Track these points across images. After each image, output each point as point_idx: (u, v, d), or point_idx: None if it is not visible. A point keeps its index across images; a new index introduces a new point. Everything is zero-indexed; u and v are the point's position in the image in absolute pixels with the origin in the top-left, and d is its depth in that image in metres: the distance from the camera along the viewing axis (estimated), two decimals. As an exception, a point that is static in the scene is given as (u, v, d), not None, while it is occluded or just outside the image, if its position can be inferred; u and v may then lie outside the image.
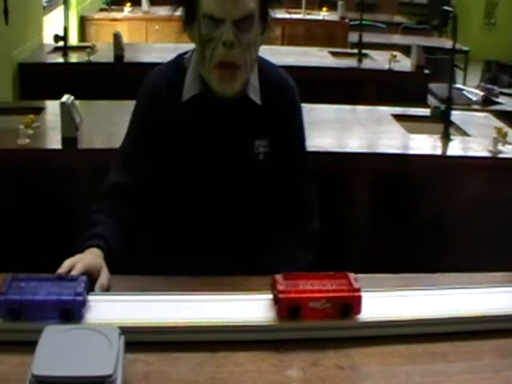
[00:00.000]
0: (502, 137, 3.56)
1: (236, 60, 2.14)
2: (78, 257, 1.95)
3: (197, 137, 2.26)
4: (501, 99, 5.54)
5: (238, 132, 2.28)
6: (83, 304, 1.72)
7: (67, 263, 1.90)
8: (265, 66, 2.35)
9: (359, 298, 1.76)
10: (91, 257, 1.97)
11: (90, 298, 1.78)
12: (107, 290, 1.92)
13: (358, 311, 1.76)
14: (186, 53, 2.33)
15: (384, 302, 1.86)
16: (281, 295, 1.74)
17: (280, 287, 1.75)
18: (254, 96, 2.28)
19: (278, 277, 1.79)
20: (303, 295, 1.74)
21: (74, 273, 1.86)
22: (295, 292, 1.74)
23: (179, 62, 2.32)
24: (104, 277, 1.93)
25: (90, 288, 1.84)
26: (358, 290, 1.76)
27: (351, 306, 1.75)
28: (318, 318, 1.74)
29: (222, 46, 2.12)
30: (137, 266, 2.18)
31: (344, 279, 1.80)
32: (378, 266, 1.96)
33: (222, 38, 2.11)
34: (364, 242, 3.48)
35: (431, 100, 5.38)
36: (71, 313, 1.69)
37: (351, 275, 1.81)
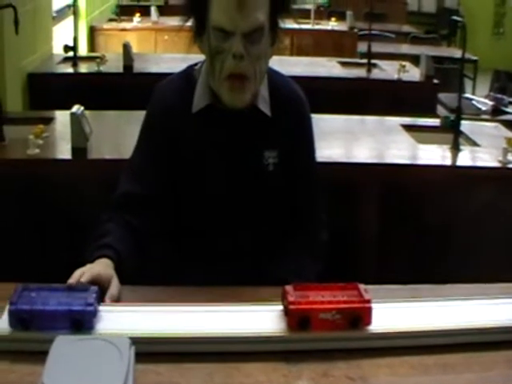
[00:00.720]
0: (511, 147, 3.55)
1: (246, 72, 2.15)
2: (88, 267, 1.95)
3: (207, 148, 2.26)
4: (510, 109, 5.52)
5: (247, 143, 2.28)
6: (94, 314, 1.72)
7: (77, 273, 1.90)
8: (275, 77, 2.35)
9: (369, 310, 1.75)
10: (101, 267, 1.97)
11: (101, 308, 1.78)
12: (118, 300, 1.92)
13: (369, 322, 1.76)
14: (196, 64, 2.34)
15: (394, 313, 1.86)
16: (291, 306, 1.73)
17: (290, 298, 1.74)
18: (264, 107, 2.28)
19: (289, 288, 1.79)
20: (313, 306, 1.73)
21: (81, 280, 1.86)
22: (305, 303, 1.74)
23: (189, 73, 2.32)
24: (114, 287, 1.93)
25: (101, 299, 1.83)
26: (369, 302, 1.75)
27: (361, 317, 1.75)
28: (328, 329, 1.73)
29: (231, 59, 2.12)
30: (148, 277, 2.18)
31: (354, 290, 1.79)
32: (387, 277, 1.96)
33: (232, 51, 2.12)
34: (373, 252, 3.47)
35: (440, 110, 5.37)
36: (82, 323, 1.69)
37: (361, 286, 1.80)
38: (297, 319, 1.73)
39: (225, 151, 2.27)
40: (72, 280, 1.87)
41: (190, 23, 2.24)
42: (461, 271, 3.04)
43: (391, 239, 3.48)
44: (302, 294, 1.77)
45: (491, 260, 3.41)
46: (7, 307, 1.69)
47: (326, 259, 2.37)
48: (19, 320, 1.68)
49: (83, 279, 1.87)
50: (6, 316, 1.70)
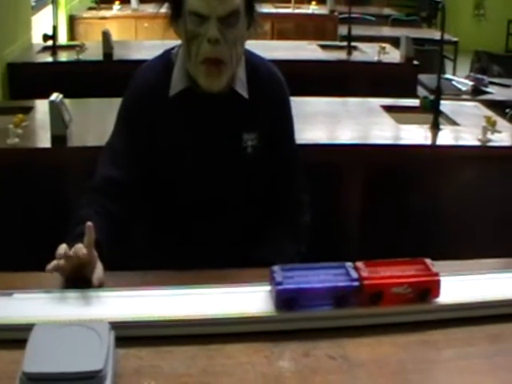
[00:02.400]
0: (491, 125, 3.56)
1: (221, 56, 2.15)
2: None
3: (184, 131, 2.26)
4: (490, 89, 5.53)
5: (225, 126, 2.28)
6: (359, 289, 1.76)
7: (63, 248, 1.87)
8: (252, 60, 2.34)
9: (438, 283, 1.81)
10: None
11: (82, 294, 1.80)
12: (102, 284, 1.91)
13: (437, 295, 1.82)
14: (173, 48, 2.33)
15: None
16: (365, 281, 1.77)
17: (363, 274, 1.78)
18: (241, 90, 2.28)
19: (360, 264, 1.83)
20: (387, 281, 1.78)
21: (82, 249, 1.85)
22: (379, 278, 1.78)
23: (167, 57, 2.32)
24: (100, 270, 1.92)
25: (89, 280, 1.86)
26: (437, 275, 1.82)
27: (430, 290, 1.81)
28: (399, 303, 1.79)
29: (207, 43, 2.12)
30: (129, 262, 2.17)
31: (421, 265, 1.85)
32: (370, 257, 1.96)
33: (208, 35, 2.12)
34: (357, 231, 3.49)
35: (421, 91, 5.36)
36: (346, 298, 1.76)
37: (428, 261, 1.86)
38: (370, 294, 1.77)
39: (202, 134, 2.26)
40: (60, 251, 1.85)
41: (165, 8, 2.24)
42: (443, 248, 3.05)
43: (374, 219, 3.49)
44: (373, 270, 1.81)
45: (473, 235, 3.44)
46: (273, 288, 1.76)
47: (310, 240, 2.37)
48: (286, 300, 1.74)
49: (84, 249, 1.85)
50: (266, 297, 1.80)
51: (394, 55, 5.85)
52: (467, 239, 3.38)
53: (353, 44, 6.04)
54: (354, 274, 1.78)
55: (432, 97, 3.85)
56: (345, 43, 6.08)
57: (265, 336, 1.72)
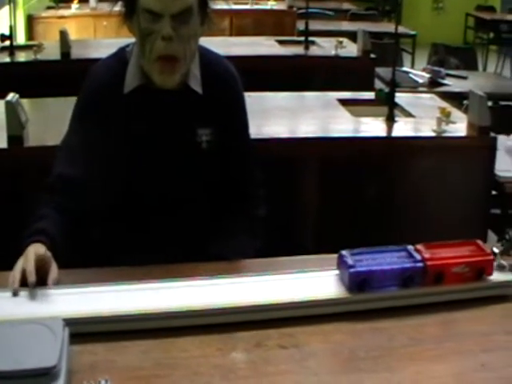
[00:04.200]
0: (445, 116, 3.61)
1: (175, 53, 2.16)
2: (31, 251, 1.94)
3: (140, 128, 2.26)
4: (447, 81, 5.59)
5: (180, 121, 2.29)
6: (424, 270, 1.88)
7: (20, 265, 1.90)
8: (206, 56, 2.36)
9: (492, 262, 1.95)
10: (40, 250, 1.96)
11: (36, 292, 1.81)
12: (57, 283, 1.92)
13: (491, 273, 1.95)
14: (127, 45, 2.33)
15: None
16: (429, 262, 1.89)
17: (426, 255, 1.90)
18: (196, 85, 2.29)
19: (420, 246, 1.94)
20: (448, 261, 1.91)
21: (28, 267, 1.87)
22: (440, 259, 1.91)
23: (121, 54, 2.32)
24: (55, 270, 1.94)
25: (43, 282, 1.86)
26: (490, 255, 1.95)
27: (485, 268, 1.94)
28: (459, 282, 1.91)
29: (161, 40, 2.13)
30: (87, 258, 2.18)
31: (473, 246, 1.98)
32: (329, 248, 1.99)
33: (161, 33, 2.13)
34: (314, 224, 3.51)
35: (378, 84, 5.39)
36: (412, 279, 1.87)
37: (479, 242, 1.99)
38: (434, 274, 1.89)
39: (157, 130, 2.27)
40: (16, 273, 1.88)
41: (120, 6, 2.24)
42: (402, 238, 3.08)
43: (332, 211, 3.52)
44: (433, 252, 1.93)
45: (430, 222, 3.49)
46: (345, 271, 1.85)
47: (267, 233, 2.39)
48: (358, 282, 1.84)
49: (29, 267, 1.87)
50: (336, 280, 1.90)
51: (351, 49, 5.88)
52: (424, 227, 3.43)
53: (310, 39, 6.05)
54: (418, 256, 1.90)
55: (387, 89, 3.88)
56: (302, 38, 6.08)
57: (218, 328, 1.74)
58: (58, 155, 2.30)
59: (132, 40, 2.31)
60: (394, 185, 3.56)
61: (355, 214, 3.52)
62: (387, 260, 1.90)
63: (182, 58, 2.18)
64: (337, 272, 1.93)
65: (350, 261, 1.86)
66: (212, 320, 1.76)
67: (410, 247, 1.95)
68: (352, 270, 1.84)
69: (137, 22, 2.18)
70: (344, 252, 1.91)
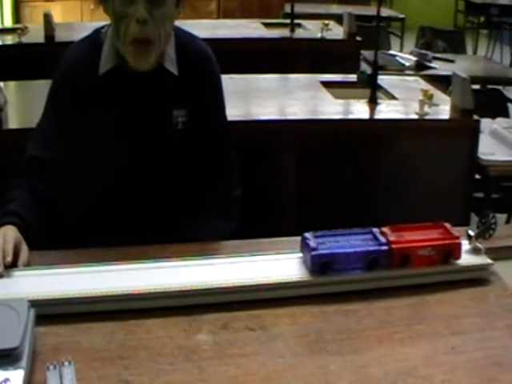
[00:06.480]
0: (427, 99, 3.58)
1: (150, 36, 2.15)
2: (7, 236, 1.94)
3: (115, 109, 2.25)
4: (434, 64, 5.57)
5: (155, 102, 2.28)
6: (388, 253, 1.86)
7: None
8: (182, 37, 2.34)
9: (459, 245, 1.92)
10: (12, 233, 1.96)
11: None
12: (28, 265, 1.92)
13: (458, 257, 1.92)
14: (103, 27, 2.32)
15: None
16: (394, 245, 1.87)
17: (391, 238, 1.88)
18: (171, 67, 2.28)
19: (386, 229, 1.93)
20: (413, 244, 1.89)
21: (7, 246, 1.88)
22: (406, 242, 1.89)
23: (96, 36, 2.31)
24: (25, 252, 1.94)
25: (13, 264, 1.86)
26: (458, 238, 1.92)
27: (453, 252, 1.92)
28: (426, 265, 1.89)
29: (135, 23, 2.13)
30: (61, 241, 2.17)
31: (441, 229, 1.97)
32: (308, 228, 1.98)
33: (136, 15, 2.12)
34: (295, 206, 3.50)
35: (364, 67, 5.36)
36: (377, 261, 1.86)
37: (447, 225, 1.97)
38: (399, 257, 1.87)
39: (132, 111, 2.26)
40: None
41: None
42: (383, 219, 3.08)
43: (312, 193, 3.50)
44: (399, 234, 1.91)
45: (412, 204, 3.49)
46: (308, 254, 1.85)
47: (242, 215, 2.38)
48: (320, 265, 1.83)
49: (7, 246, 1.89)
50: (299, 263, 1.89)
51: (337, 31, 5.85)
52: (406, 210, 3.41)
53: (297, 21, 6.02)
54: (382, 239, 1.88)
55: (369, 71, 3.86)
56: (288, 21, 6.06)
57: (185, 310, 1.73)
58: (33, 137, 2.29)
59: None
60: (376, 167, 3.54)
61: (336, 197, 3.50)
62: (351, 243, 1.88)
63: (157, 40, 2.17)
64: (300, 255, 1.92)
65: (312, 243, 1.85)
66: (178, 302, 1.75)
67: (376, 230, 1.93)
68: (314, 252, 1.83)
69: (112, 5, 2.17)
70: (307, 234, 1.89)
